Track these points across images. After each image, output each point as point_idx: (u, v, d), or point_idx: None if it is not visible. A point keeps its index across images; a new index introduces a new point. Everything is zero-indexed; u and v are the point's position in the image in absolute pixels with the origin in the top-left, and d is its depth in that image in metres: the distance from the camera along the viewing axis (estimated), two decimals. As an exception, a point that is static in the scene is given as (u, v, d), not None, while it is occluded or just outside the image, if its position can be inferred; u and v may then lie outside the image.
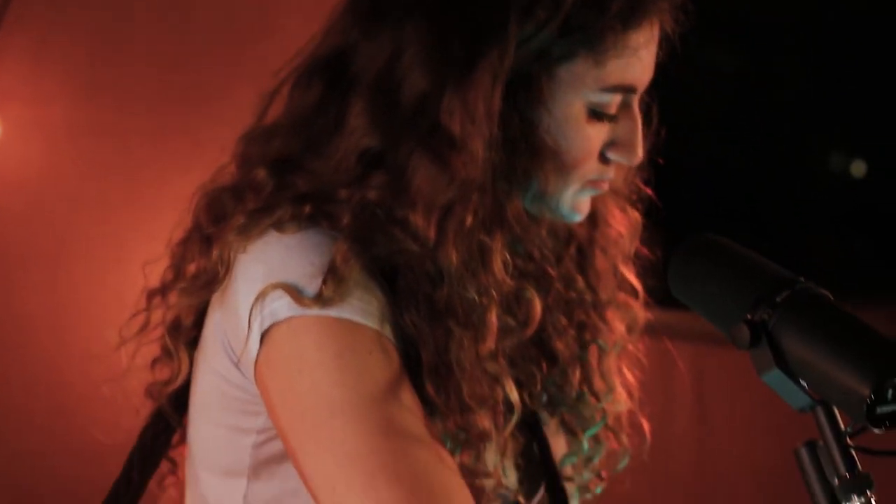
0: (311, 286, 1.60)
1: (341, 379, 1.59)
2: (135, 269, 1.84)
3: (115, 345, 1.80)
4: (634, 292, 1.95)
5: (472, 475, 1.69)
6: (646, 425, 1.97)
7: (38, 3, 4.03)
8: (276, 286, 1.61)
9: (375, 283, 1.64)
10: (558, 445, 1.93)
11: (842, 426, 1.43)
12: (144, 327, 1.81)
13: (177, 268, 1.78)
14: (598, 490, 1.97)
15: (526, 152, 1.69)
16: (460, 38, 1.66)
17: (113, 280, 2.83)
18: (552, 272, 1.81)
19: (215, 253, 1.70)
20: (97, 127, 4.11)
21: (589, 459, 1.95)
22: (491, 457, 1.73)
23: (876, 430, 1.40)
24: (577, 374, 1.89)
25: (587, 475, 1.95)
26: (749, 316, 1.45)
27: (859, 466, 1.42)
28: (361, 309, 1.61)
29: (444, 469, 1.62)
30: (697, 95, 4.61)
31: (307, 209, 1.66)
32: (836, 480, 1.42)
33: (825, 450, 1.43)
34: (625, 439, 1.95)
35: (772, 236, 4.32)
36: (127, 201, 3.84)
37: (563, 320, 1.86)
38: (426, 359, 1.66)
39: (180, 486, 1.85)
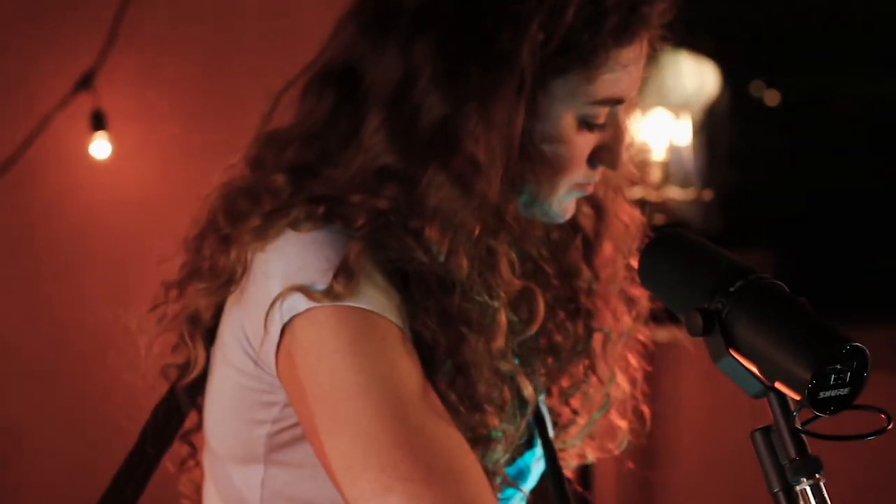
0: (325, 280, 1.69)
1: (356, 363, 1.67)
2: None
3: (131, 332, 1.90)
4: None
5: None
6: (646, 411, 2.04)
7: (149, 23, 4.16)
8: (292, 286, 1.69)
9: (389, 281, 1.72)
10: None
11: (793, 412, 1.48)
12: (161, 320, 1.90)
13: (192, 264, 1.87)
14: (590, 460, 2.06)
15: (521, 160, 1.77)
16: (476, 61, 1.73)
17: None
18: (549, 269, 1.89)
19: (233, 254, 1.78)
20: (208, 145, 4.23)
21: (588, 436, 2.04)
22: (499, 449, 1.80)
23: (821, 415, 1.45)
24: (583, 361, 1.97)
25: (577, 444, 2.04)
26: (706, 305, 1.51)
27: (809, 450, 1.47)
28: (376, 300, 1.69)
29: (459, 447, 1.68)
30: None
31: (321, 210, 1.74)
32: (788, 463, 1.48)
33: (778, 434, 1.49)
34: (623, 423, 2.02)
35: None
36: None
37: (562, 314, 1.94)
38: (440, 360, 1.74)
39: (201, 468, 1.95)
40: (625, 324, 1.99)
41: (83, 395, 4.03)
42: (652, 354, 2.24)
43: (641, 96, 1.90)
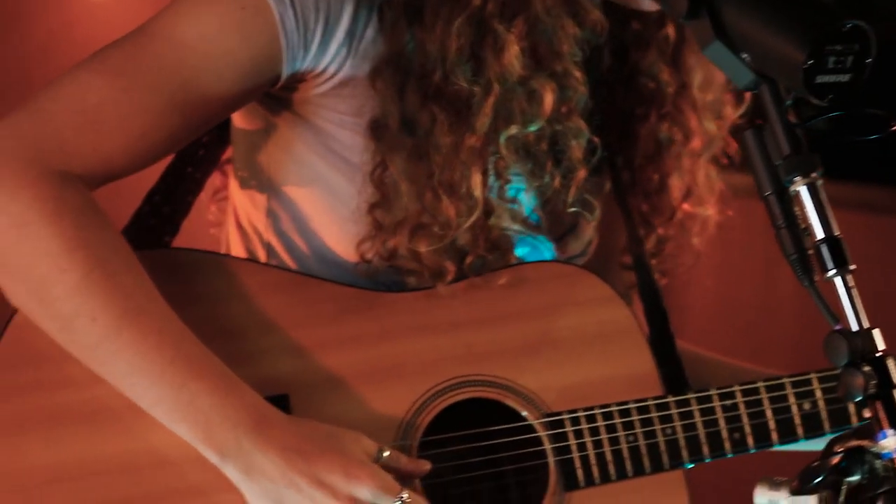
0: None
1: (174, 11, 1.63)
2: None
3: None
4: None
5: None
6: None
7: None
8: None
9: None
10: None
11: (786, 102, 1.34)
12: None
13: None
14: None
15: None
16: None
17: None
18: (578, 74, 1.72)
19: None
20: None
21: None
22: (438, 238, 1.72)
23: (816, 101, 1.31)
24: (650, 168, 1.86)
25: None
26: (692, -13, 1.37)
27: (805, 147, 1.33)
28: None
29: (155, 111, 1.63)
30: None
31: None
32: (781, 162, 1.33)
33: (770, 131, 1.35)
34: (695, 241, 1.90)
35: None
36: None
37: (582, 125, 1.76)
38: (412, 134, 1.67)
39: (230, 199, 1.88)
40: (709, 132, 1.86)
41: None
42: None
43: None
